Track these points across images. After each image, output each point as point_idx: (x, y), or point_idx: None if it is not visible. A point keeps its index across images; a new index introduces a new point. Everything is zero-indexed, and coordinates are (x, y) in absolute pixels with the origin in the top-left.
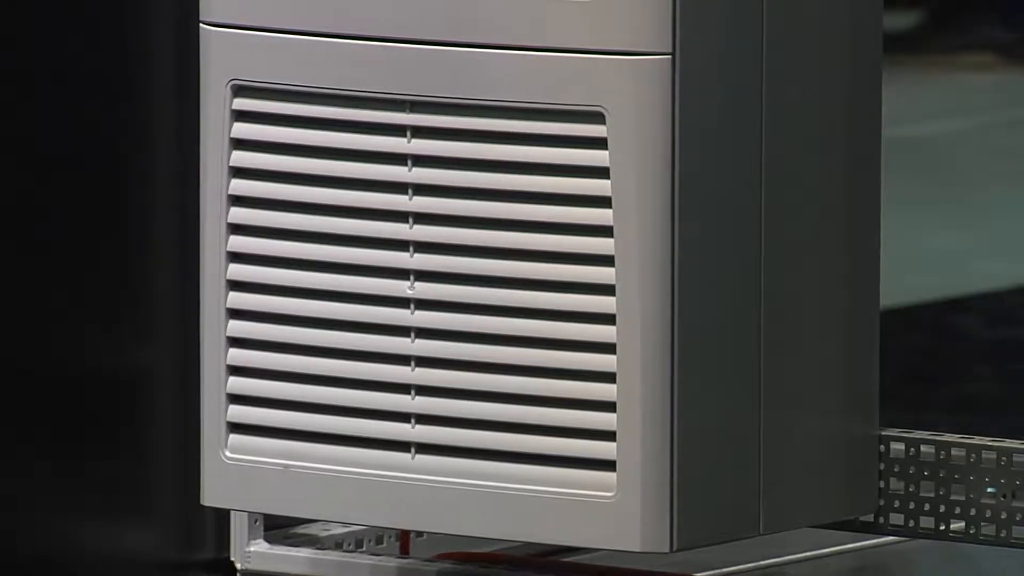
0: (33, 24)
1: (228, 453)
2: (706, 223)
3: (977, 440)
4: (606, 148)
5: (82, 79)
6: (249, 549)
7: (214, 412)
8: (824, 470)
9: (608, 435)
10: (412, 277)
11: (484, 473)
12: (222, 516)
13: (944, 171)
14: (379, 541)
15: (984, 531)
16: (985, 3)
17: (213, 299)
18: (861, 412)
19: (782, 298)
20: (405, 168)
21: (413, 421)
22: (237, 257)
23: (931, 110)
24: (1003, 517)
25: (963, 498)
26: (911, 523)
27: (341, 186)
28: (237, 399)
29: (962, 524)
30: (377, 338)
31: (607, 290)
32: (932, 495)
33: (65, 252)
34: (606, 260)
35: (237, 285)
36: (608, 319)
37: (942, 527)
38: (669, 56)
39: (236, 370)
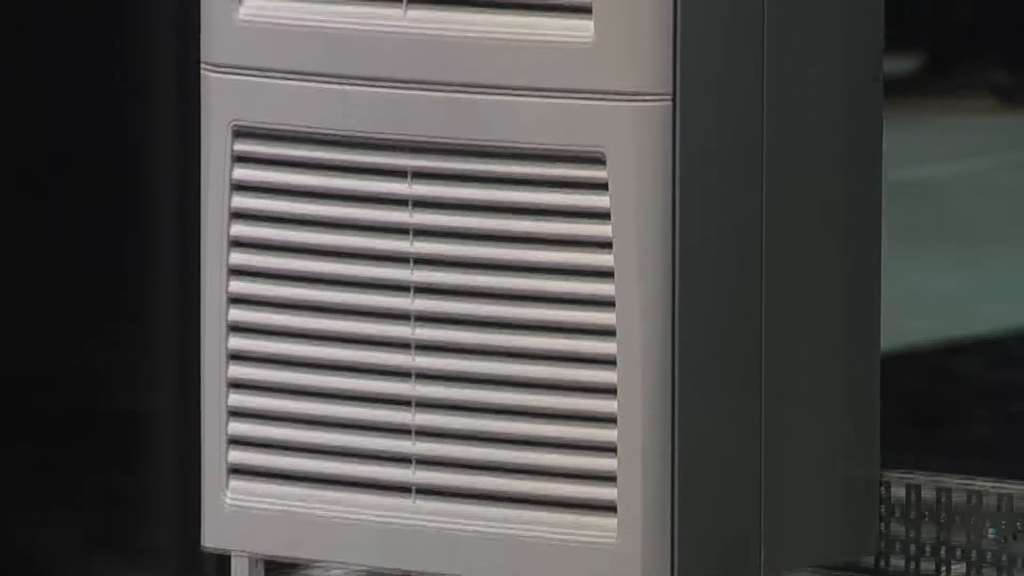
0: (34, 63)
1: (229, 496)
2: (707, 266)
3: (978, 483)
4: (607, 191)
5: (83, 125)
6: None
7: (215, 455)
8: (825, 513)
9: (609, 479)
10: (414, 320)
11: (485, 517)
12: (223, 558)
13: (944, 214)
14: None
15: (985, 574)
16: (985, 46)
17: (214, 342)
18: (862, 455)
19: (783, 341)
20: (406, 212)
21: (414, 465)
22: (238, 300)
23: (931, 153)
24: (1004, 560)
25: (964, 541)
26: (912, 566)
27: (342, 230)
28: (238, 442)
29: (963, 567)
30: (378, 383)
31: (608, 333)
32: (933, 538)
33: (67, 294)
34: (607, 303)
35: (238, 329)
36: (609, 362)
37: (943, 570)
38: (669, 99)
39: (237, 413)
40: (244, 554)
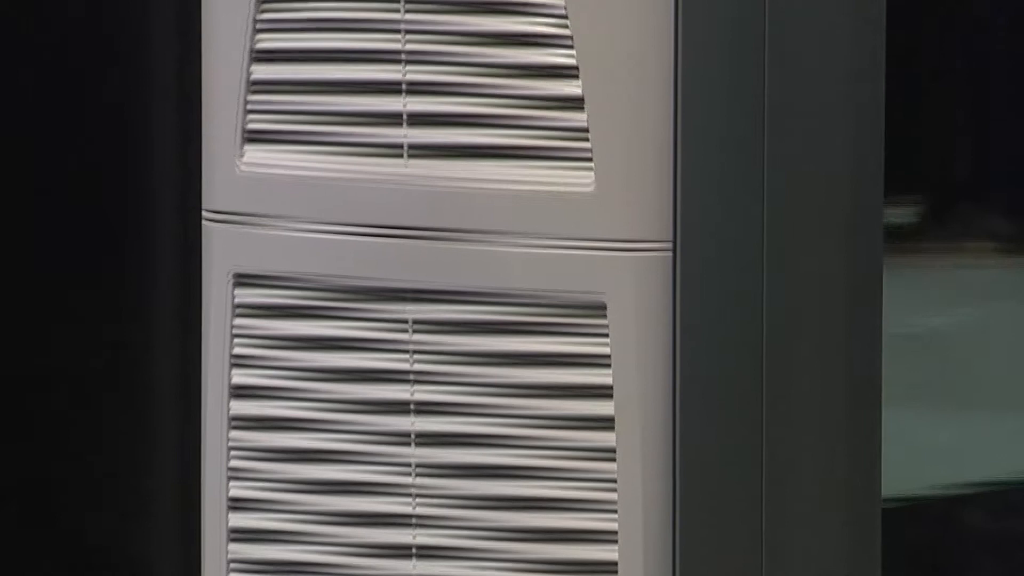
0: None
1: None
2: (708, 415)
3: None
4: (607, 339)
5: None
6: None
7: None
8: None
9: None
10: (415, 468)
11: None
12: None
13: (944, 363)
14: None
15: None
16: (985, 193)
17: (214, 492)
18: None
19: (784, 495)
20: (407, 361)
21: None
22: (239, 449)
23: (930, 302)
24: None
25: None
26: None
27: (342, 378)
28: (239, 562)
29: None
30: (379, 532)
31: (609, 482)
32: None
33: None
34: (608, 451)
35: (239, 477)
36: (610, 511)
37: None
38: (670, 246)
39: (238, 562)
40: None
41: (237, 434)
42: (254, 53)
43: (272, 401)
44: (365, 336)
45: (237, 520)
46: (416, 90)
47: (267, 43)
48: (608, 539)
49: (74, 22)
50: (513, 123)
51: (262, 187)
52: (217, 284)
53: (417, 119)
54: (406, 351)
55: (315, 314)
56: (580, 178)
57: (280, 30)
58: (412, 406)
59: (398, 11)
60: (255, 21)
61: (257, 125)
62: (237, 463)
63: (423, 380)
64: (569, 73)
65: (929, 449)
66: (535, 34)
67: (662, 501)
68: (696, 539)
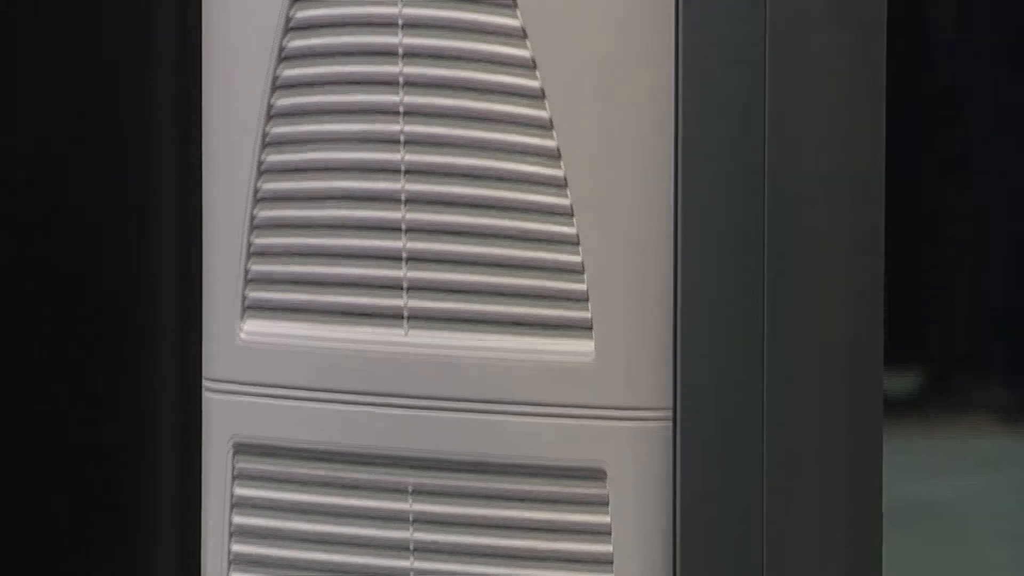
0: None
1: None
2: None
3: None
4: (607, 508)
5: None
6: None
7: None
8: None
9: None
10: None
11: None
12: None
13: (943, 534)
14: None
15: None
16: (984, 364)
17: None
18: None
19: None
20: (407, 531)
21: None
22: None
23: (929, 472)
24: None
25: None
26: None
27: (343, 548)
28: None
29: None
30: None
31: None
32: None
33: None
34: None
35: None
36: None
37: None
38: (670, 414)
39: None
40: None
41: None
42: (255, 222)
43: (273, 570)
44: (365, 505)
45: None
46: (417, 259)
47: (267, 212)
48: None
49: (79, 192)
50: (513, 292)
51: (263, 356)
52: (217, 453)
53: (417, 288)
54: (406, 520)
55: (315, 482)
56: (580, 347)
57: (279, 199)
58: (412, 575)
59: (398, 181)
60: (256, 191)
61: (258, 295)
62: None
63: (423, 548)
64: (569, 241)
65: None
66: (535, 203)
67: None
68: None
